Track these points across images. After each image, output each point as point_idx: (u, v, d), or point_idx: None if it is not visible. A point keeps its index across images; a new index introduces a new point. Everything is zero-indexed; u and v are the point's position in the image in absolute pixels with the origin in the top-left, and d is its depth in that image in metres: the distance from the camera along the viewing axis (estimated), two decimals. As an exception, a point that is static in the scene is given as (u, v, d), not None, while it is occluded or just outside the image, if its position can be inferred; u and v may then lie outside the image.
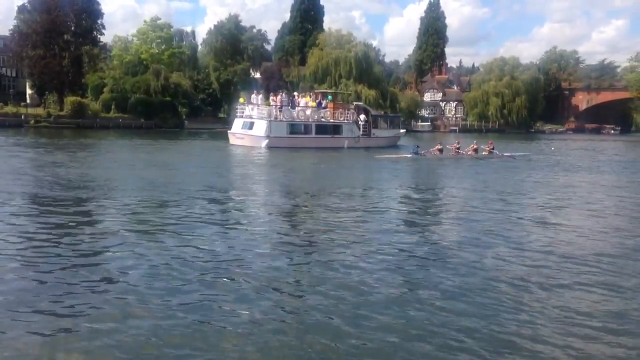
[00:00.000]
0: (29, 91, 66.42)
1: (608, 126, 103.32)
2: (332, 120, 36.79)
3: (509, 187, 18.28)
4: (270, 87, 77.11)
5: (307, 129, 35.58)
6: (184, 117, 61.17)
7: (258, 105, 36.04)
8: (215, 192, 15.27)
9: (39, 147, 28.60)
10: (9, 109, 52.25)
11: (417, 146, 30.78)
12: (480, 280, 7.50)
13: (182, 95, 62.33)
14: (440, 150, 30.29)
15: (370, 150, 33.83)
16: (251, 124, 34.98)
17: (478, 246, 9.55)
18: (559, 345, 5.51)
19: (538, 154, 36.73)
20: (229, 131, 37.14)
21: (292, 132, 34.91)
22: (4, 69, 70.96)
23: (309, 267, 8.06)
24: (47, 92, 58.09)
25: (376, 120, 39.59)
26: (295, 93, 40.23)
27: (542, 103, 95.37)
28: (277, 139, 33.38)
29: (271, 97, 36.94)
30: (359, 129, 37.40)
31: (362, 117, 38.07)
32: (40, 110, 54.22)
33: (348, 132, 36.70)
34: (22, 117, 50.60)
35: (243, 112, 36.55)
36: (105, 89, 58.38)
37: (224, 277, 7.45)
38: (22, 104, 57.92)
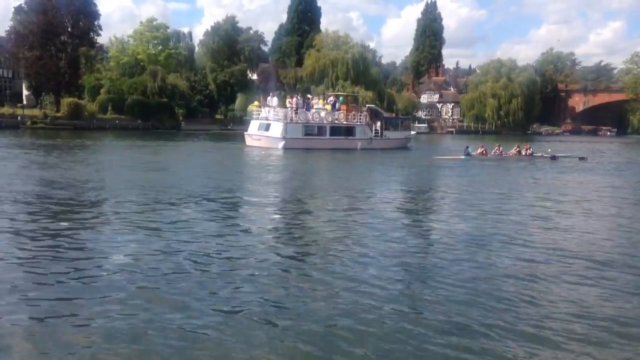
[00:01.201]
0: (25, 92, 66.24)
1: (604, 128, 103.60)
2: (345, 122, 37.62)
3: (531, 187, 19.02)
4: (267, 88, 77.31)
5: (321, 131, 36.61)
6: (180, 118, 61.12)
7: (274, 108, 36.92)
8: (246, 193, 15.92)
9: (38, 148, 28.58)
10: (6, 109, 52.14)
11: (468, 147, 33.19)
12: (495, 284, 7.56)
13: (179, 96, 62.29)
14: (485, 153, 33.22)
15: (385, 152, 35.29)
16: (267, 125, 36.12)
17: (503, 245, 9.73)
18: (565, 348, 5.57)
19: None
20: (245, 132, 38.18)
21: (307, 134, 36.05)
22: (0, 70, 70.80)
23: (318, 263, 8.17)
24: (43, 93, 58.02)
25: (388, 123, 40.67)
26: (309, 95, 41.23)
27: (538, 105, 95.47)
28: (292, 140, 34.54)
29: (287, 100, 38.17)
30: (372, 130, 38.31)
31: (378, 123, 39.14)
32: (36, 112, 54.09)
33: (361, 134, 37.72)
34: (19, 118, 50.48)
35: (259, 114, 37.58)
36: (102, 90, 58.30)
37: (233, 272, 7.68)
38: (19, 105, 57.71)
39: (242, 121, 69.12)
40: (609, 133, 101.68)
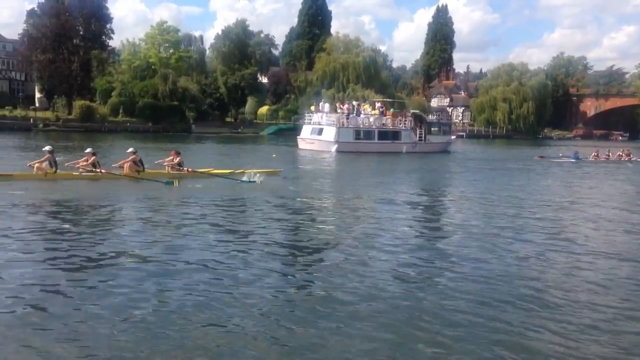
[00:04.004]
0: (37, 95, 66.78)
1: (616, 132, 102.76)
2: (392, 127, 39.43)
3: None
4: (277, 91, 77.52)
5: (370, 135, 38.25)
6: (191, 121, 61.31)
7: (327, 113, 38.95)
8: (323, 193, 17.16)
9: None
10: (18, 112, 52.60)
11: (577, 152, 36.16)
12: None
13: (190, 99, 62.43)
14: (596, 156, 36.46)
15: (429, 155, 36.81)
16: (320, 130, 38.00)
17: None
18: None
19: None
20: (298, 137, 40.18)
21: (357, 138, 37.61)
22: (13, 73, 71.35)
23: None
24: (55, 96, 58.42)
25: (431, 127, 42.56)
26: (355, 102, 42.92)
27: (550, 109, 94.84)
28: (344, 144, 36.13)
29: (338, 105, 40.78)
30: (416, 135, 39.95)
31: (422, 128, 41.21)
32: (49, 114, 54.54)
33: (406, 138, 39.35)
34: (31, 120, 50.86)
35: (311, 119, 39.71)
36: (113, 93, 58.57)
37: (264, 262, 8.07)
38: (31, 107, 58.25)
39: (253, 124, 69.45)
40: (620, 138, 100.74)
